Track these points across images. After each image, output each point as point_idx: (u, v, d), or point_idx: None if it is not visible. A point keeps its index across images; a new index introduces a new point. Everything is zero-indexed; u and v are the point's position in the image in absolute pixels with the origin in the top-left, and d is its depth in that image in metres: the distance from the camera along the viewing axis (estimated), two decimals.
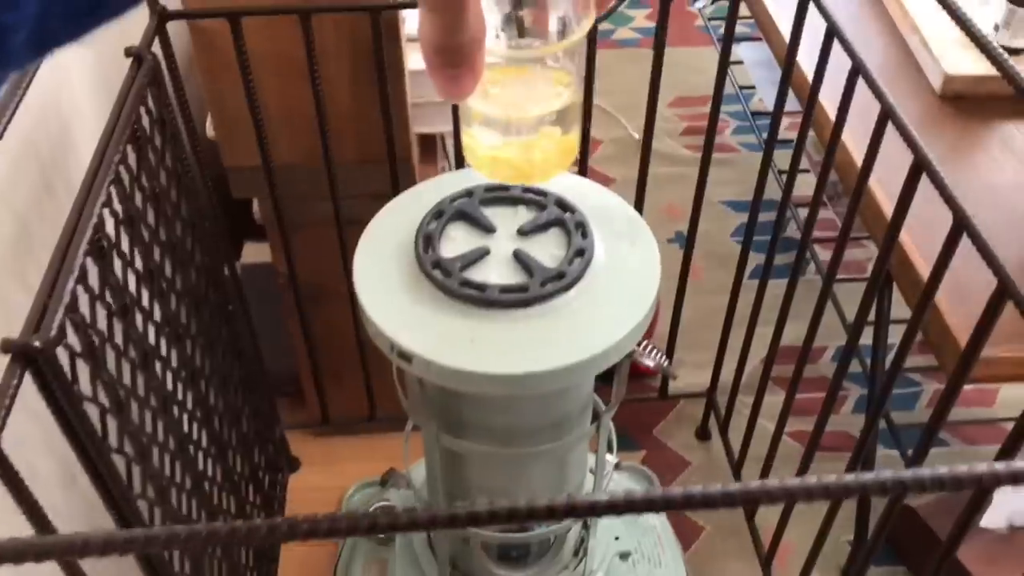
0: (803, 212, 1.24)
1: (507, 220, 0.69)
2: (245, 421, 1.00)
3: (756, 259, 1.34)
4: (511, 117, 0.42)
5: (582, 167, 1.04)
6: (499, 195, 0.71)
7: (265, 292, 1.14)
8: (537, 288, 0.63)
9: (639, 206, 1.06)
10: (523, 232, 0.68)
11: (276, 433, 1.16)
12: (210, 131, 0.96)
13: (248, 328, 1.06)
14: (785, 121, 1.76)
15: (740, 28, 1.79)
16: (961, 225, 0.56)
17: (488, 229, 0.68)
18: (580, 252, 0.66)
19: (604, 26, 2.06)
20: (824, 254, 1.42)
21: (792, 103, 1.45)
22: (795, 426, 1.30)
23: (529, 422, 0.71)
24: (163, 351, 0.74)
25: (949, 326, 0.81)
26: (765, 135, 1.13)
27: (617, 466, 0.99)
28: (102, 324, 0.62)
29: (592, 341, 0.62)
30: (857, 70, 0.71)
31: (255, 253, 1.13)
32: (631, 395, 1.28)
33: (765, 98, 1.59)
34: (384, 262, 0.68)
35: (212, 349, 0.89)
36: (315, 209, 1.00)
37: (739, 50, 1.80)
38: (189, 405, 0.80)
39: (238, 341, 0.98)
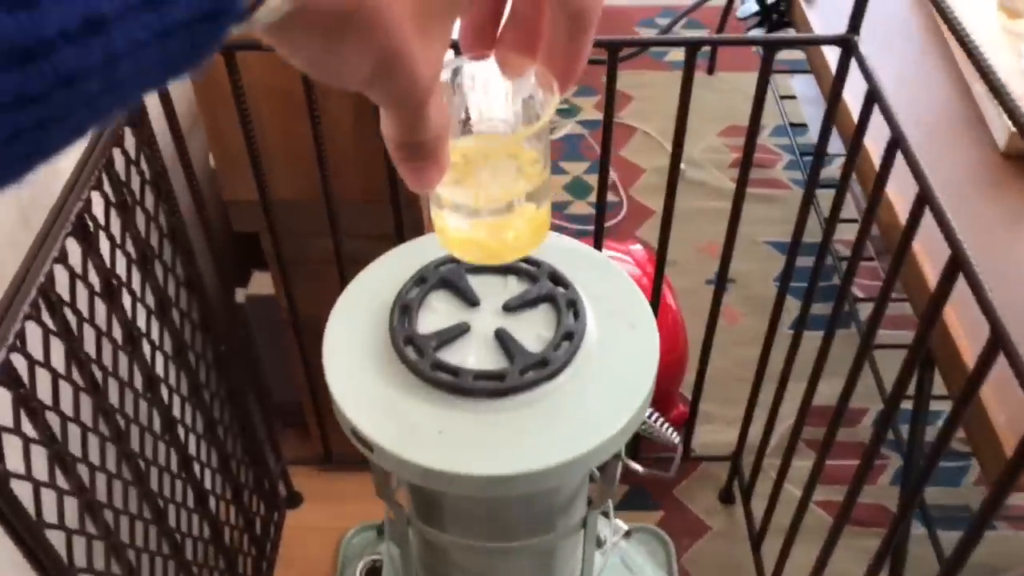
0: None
1: (494, 292, 0.63)
2: (235, 464, 0.96)
3: (798, 307, 1.26)
4: (480, 203, 0.41)
5: (600, 202, 0.97)
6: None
7: (272, 321, 1.10)
8: (516, 376, 0.57)
9: (664, 245, 0.98)
10: (509, 308, 0.62)
11: (275, 472, 1.12)
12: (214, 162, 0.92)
13: (248, 364, 1.02)
14: (838, 161, 1.66)
15: (797, 56, 1.70)
16: (998, 342, 0.49)
17: (472, 302, 0.62)
18: (569, 335, 0.60)
19: (657, 48, 1.98)
20: (867, 309, 1.33)
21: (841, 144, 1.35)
22: (827, 495, 1.22)
23: (509, 517, 0.65)
24: (127, 406, 0.69)
25: (994, 426, 0.73)
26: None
27: (627, 534, 0.92)
28: (47, 384, 0.58)
29: (576, 439, 0.56)
30: (897, 141, 0.63)
31: (262, 283, 1.09)
32: (652, 453, 1.21)
33: (816, 135, 1.50)
34: (357, 331, 0.62)
35: (197, 395, 0.84)
36: (318, 245, 0.96)
37: (792, 83, 1.71)
38: (162, 459, 0.76)
39: (230, 381, 0.94)
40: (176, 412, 0.79)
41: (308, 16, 0.24)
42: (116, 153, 0.67)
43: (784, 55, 1.65)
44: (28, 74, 0.16)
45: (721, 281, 1.06)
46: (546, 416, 0.57)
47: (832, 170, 1.70)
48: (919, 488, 0.76)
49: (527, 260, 0.64)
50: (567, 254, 0.66)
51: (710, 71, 1.91)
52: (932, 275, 0.84)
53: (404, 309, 0.62)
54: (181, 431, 0.80)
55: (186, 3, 0.19)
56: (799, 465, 1.09)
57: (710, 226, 1.57)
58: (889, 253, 0.90)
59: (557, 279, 0.63)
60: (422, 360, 0.58)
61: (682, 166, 1.73)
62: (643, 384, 0.59)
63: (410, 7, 0.26)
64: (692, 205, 1.61)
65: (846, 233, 1.40)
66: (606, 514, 0.81)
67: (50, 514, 0.57)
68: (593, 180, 1.72)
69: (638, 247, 1.31)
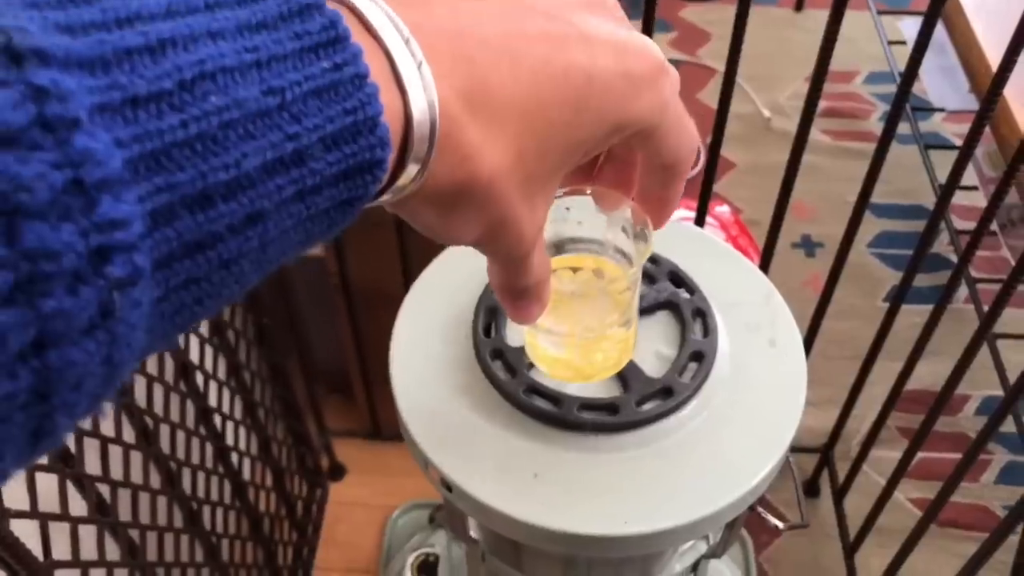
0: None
1: None
2: (276, 446, 0.86)
3: (893, 277, 1.11)
4: (574, 332, 0.42)
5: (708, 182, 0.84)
6: None
7: (318, 283, 0.99)
8: (632, 407, 0.46)
9: (773, 237, 0.85)
10: None
11: (318, 445, 1.03)
12: None
13: (291, 331, 0.91)
14: (955, 127, 1.49)
15: None
16: None
17: None
18: (697, 355, 0.48)
19: None
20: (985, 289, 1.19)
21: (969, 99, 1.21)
22: (922, 492, 1.11)
23: (604, 569, 0.54)
24: (156, 404, 0.59)
25: None
26: (915, 127, 0.91)
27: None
28: None
29: (707, 491, 0.44)
30: None
31: None
32: None
33: (930, 89, 1.34)
34: (432, 338, 0.51)
35: (237, 376, 0.74)
36: (375, 209, 0.84)
37: (901, 27, 1.53)
38: (195, 456, 0.66)
39: (272, 356, 0.83)
40: (212, 400, 0.69)
41: (426, 193, 0.26)
42: None
43: None
44: (196, 262, 0.19)
45: (836, 271, 0.92)
46: (668, 459, 0.46)
47: (932, 124, 1.54)
48: None
49: None
50: (689, 246, 0.54)
51: (797, 7, 1.73)
52: None
53: (490, 312, 0.50)
54: (217, 420, 0.70)
55: (329, 194, 0.22)
56: (890, 457, 0.98)
57: (797, 183, 1.42)
58: None
59: (679, 280, 0.51)
60: (514, 380, 0.47)
61: (766, 113, 1.59)
62: (789, 420, 0.47)
63: (518, 177, 0.27)
64: (777, 159, 1.44)
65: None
66: None
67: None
68: None
69: (724, 209, 1.18)
